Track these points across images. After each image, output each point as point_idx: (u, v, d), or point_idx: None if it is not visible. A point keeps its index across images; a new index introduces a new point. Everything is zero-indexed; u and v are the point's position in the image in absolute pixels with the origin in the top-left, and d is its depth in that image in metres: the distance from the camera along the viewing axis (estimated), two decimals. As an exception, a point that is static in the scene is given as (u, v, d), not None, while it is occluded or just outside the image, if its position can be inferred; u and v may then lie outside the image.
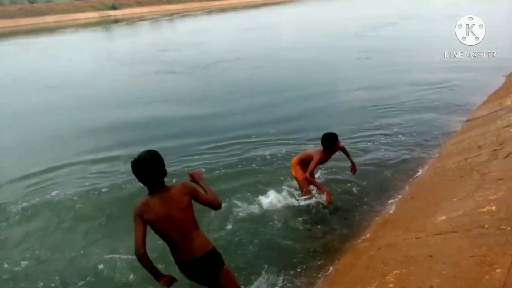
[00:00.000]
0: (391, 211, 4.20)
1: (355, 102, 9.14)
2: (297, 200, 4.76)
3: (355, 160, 4.90)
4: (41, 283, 3.70)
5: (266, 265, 3.58)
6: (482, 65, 10.41)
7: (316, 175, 5.08)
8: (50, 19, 50.72)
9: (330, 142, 4.40)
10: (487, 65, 10.34)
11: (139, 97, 11.10)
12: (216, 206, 2.70)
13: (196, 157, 6.21)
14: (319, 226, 4.31)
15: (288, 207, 4.67)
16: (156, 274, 2.55)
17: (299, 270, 3.59)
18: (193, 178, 2.84)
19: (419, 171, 5.17)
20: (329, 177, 5.29)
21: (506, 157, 4.07)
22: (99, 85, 13.16)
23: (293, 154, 5.95)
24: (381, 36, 19.06)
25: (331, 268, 3.48)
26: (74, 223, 4.75)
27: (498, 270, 2.33)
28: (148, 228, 2.53)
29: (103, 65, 16.91)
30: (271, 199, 4.79)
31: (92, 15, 53.47)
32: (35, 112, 10.45)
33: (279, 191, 4.94)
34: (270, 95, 10.31)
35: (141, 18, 46.45)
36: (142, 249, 2.44)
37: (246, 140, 6.98)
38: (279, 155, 6.17)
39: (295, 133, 7.28)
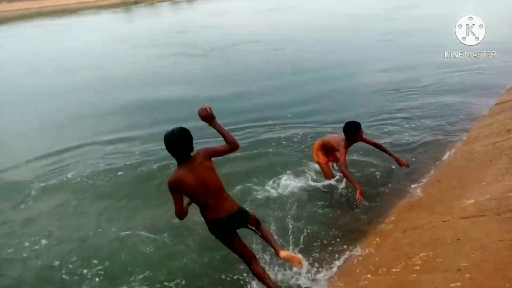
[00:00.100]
0: (416, 195, 4.15)
1: (377, 84, 8.97)
2: (315, 183, 4.71)
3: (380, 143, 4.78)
4: (58, 262, 3.78)
5: (289, 247, 3.52)
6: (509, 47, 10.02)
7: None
8: (72, 0, 51.23)
9: (352, 131, 4.25)
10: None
11: (155, 79, 11.16)
12: (234, 149, 2.90)
13: (212, 139, 6.23)
14: (340, 210, 4.28)
15: (306, 190, 4.63)
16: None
17: (321, 251, 3.58)
18: (204, 118, 2.84)
19: (445, 155, 5.07)
20: (354, 158, 5.14)
21: (537, 141, 3.96)
22: (117, 67, 13.28)
23: (310, 139, 5.92)
24: (406, 17, 18.49)
25: (354, 250, 3.48)
26: (91, 203, 4.83)
27: (529, 254, 2.31)
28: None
29: (121, 47, 16.97)
30: (288, 182, 4.74)
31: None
32: (55, 92, 10.62)
33: (297, 174, 4.90)
34: (287, 77, 10.20)
35: (160, 0, 46.23)
36: (182, 214, 2.83)
37: (263, 123, 6.92)
38: (295, 139, 6.10)
39: (313, 115, 7.21)
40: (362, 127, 4.35)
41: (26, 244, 4.09)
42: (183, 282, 3.37)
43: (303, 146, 5.79)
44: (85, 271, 3.62)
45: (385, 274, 2.89)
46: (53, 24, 29.40)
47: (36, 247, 4.05)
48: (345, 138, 4.33)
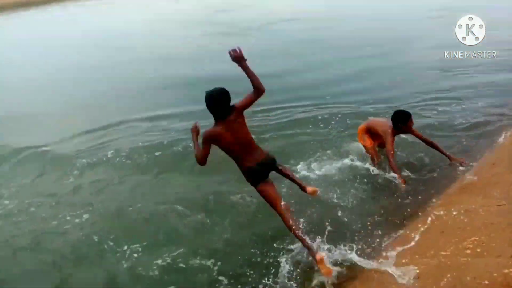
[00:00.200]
0: (468, 178, 3.97)
1: (424, 63, 8.59)
2: (359, 163, 4.59)
3: (428, 124, 4.57)
4: (97, 237, 3.88)
5: (328, 227, 3.38)
6: None
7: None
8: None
9: (400, 120, 4.13)
10: None
11: (192, 58, 11.18)
12: (260, 94, 3.07)
13: (247, 119, 6.23)
14: (385, 192, 4.14)
15: (348, 171, 4.50)
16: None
17: (366, 232, 3.50)
18: (236, 58, 3.07)
19: (500, 137, 4.80)
20: (402, 141, 4.89)
21: None
22: (156, 46, 13.37)
23: (348, 122, 5.75)
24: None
25: (401, 231, 3.42)
26: (130, 179, 4.95)
27: None
28: None
29: (160, 27, 17.14)
30: (329, 162, 4.65)
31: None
32: (96, 71, 10.85)
33: (338, 155, 4.80)
34: (328, 55, 9.98)
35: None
36: (203, 163, 3.19)
37: (300, 103, 6.80)
38: (337, 118, 5.96)
39: (355, 95, 7.03)
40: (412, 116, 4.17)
41: (68, 218, 4.22)
42: (219, 263, 3.38)
43: (344, 127, 5.65)
44: (123, 246, 3.69)
45: (433, 257, 2.83)
46: (96, 4, 30.07)
47: (77, 220, 4.17)
48: (392, 126, 4.21)
